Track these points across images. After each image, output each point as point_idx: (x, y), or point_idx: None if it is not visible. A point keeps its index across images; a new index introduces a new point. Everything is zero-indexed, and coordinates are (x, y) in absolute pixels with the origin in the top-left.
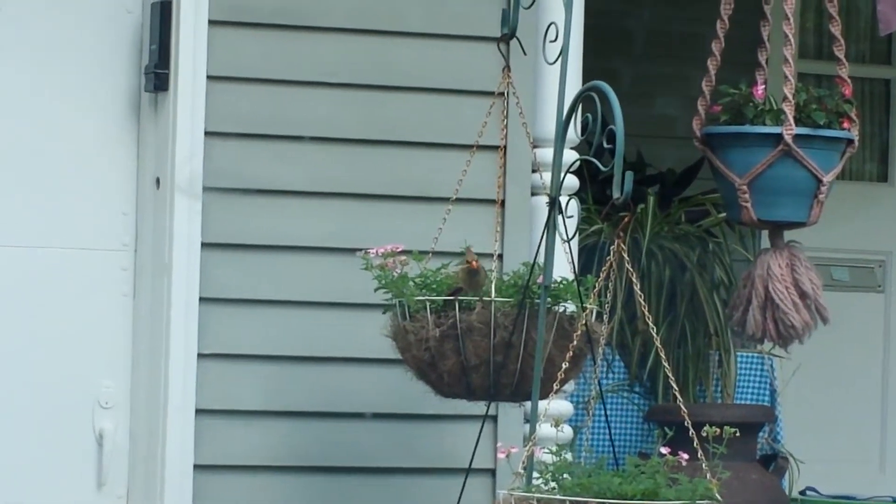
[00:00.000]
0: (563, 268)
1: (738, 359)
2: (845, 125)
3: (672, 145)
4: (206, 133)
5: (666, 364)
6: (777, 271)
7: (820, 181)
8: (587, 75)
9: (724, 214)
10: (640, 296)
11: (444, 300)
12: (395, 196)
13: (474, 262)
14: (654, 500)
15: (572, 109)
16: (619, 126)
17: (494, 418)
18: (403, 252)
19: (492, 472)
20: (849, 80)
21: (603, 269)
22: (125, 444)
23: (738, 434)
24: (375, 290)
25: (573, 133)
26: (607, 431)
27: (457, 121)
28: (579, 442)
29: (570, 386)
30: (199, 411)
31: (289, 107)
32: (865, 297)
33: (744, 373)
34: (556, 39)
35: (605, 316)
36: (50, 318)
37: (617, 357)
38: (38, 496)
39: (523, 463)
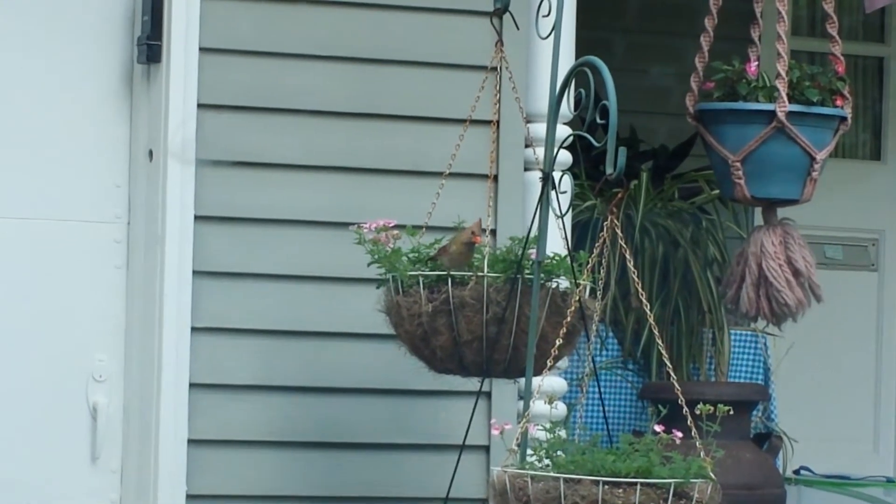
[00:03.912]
0: (557, 243)
1: (732, 336)
2: (838, 102)
3: (665, 118)
4: (199, 105)
5: (659, 341)
6: (770, 249)
7: (813, 158)
8: (580, 45)
9: (717, 191)
10: (634, 272)
11: (437, 275)
12: (387, 170)
13: (477, 238)
14: (648, 478)
15: (565, 84)
16: (612, 101)
17: (488, 395)
18: (396, 227)
19: (486, 449)
20: (842, 58)
21: (596, 245)
22: (119, 417)
23: (731, 412)
24: (368, 264)
25: (566, 108)
26: (601, 408)
27: (450, 95)
28: (573, 419)
29: (563, 363)
30: (192, 385)
31: (281, 80)
32: (859, 276)
33: (737, 351)
34: (549, 14)
35: (598, 292)
36: (43, 290)
37: (610, 334)
38: (33, 470)
39: (517, 440)
